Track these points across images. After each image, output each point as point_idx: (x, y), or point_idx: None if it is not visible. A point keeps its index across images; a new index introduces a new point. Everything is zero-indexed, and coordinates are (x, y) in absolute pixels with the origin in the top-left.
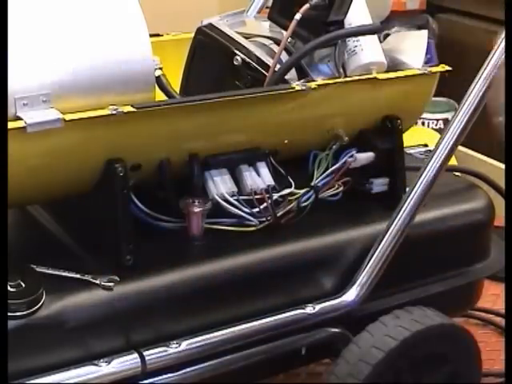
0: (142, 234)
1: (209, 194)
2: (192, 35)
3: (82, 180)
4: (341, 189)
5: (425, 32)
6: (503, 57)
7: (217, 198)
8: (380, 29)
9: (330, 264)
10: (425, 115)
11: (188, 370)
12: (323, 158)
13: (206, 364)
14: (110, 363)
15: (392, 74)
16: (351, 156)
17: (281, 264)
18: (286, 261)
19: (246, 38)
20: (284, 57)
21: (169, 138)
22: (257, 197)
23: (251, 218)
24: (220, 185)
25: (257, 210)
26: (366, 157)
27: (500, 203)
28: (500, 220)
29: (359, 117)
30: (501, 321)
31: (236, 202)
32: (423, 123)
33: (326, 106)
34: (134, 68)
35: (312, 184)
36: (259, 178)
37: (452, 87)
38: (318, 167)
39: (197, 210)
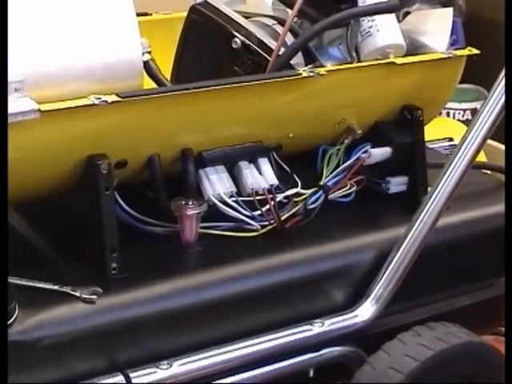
0: (128, 239)
1: (204, 195)
2: (185, 14)
3: (60, 179)
4: (353, 189)
5: (450, 10)
6: None
7: (213, 199)
8: (398, 7)
9: (341, 274)
10: (449, 105)
11: None
12: (333, 153)
13: None
14: None
15: (412, 59)
16: (365, 151)
17: (285, 274)
18: (291, 270)
19: (246, 17)
20: (289, 39)
21: (159, 131)
22: (258, 198)
23: (252, 222)
24: (217, 184)
25: (258, 212)
26: (381, 152)
27: None
28: None
29: (374, 107)
30: None
31: (235, 204)
32: (448, 114)
33: (337, 95)
34: (118, 52)
35: (321, 183)
36: (261, 176)
37: (481, 72)
38: (328, 164)
39: (190, 212)
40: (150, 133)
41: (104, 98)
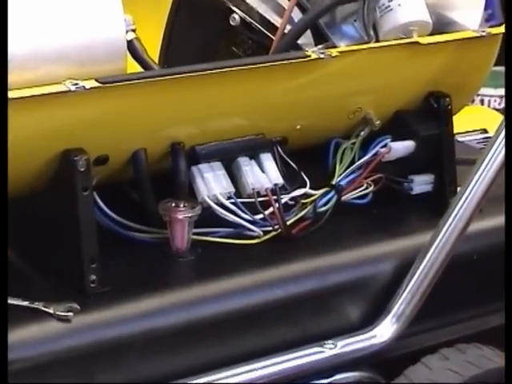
0: (109, 248)
1: (197, 196)
2: None
3: (30, 177)
4: (371, 189)
5: None
6: None
7: (208, 200)
8: None
9: (356, 288)
10: (483, 91)
11: None
12: (348, 148)
13: None
14: None
15: (439, 38)
16: (384, 146)
17: (292, 288)
18: (298, 283)
19: None
20: (296, 15)
21: (145, 123)
22: (260, 199)
23: (253, 228)
24: (212, 183)
25: (260, 216)
26: (403, 147)
27: None
28: None
29: (395, 94)
30: None
31: (233, 207)
32: (482, 101)
33: (352, 80)
34: (98, 30)
35: (333, 183)
36: (263, 174)
37: None
38: (341, 161)
39: (182, 216)
40: (134, 124)
41: (82, 83)
